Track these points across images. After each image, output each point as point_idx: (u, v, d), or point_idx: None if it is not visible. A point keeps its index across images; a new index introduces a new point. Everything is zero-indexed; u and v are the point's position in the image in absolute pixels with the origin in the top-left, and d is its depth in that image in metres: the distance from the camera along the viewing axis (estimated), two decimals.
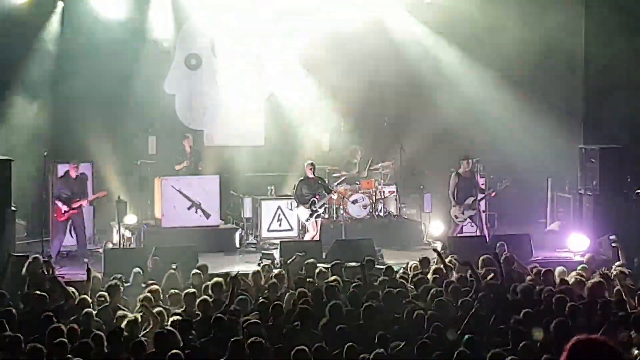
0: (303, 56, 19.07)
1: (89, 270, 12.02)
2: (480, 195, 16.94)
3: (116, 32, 17.91)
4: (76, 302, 10.78)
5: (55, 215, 15.91)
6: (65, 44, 17.76)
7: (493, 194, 17.35)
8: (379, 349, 8.45)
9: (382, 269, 12.66)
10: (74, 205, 15.87)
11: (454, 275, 12.17)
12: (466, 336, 8.77)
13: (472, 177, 16.94)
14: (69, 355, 8.50)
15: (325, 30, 18.76)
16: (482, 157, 17.58)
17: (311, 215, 16.58)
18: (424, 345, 8.65)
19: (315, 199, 16.56)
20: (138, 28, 18.24)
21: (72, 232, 16.20)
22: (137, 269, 12.48)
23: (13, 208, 14.93)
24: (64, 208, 15.77)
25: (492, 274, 11.77)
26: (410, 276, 12.30)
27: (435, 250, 13.52)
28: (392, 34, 19.25)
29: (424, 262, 12.80)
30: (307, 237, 16.71)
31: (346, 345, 8.62)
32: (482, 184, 17.49)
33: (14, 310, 10.28)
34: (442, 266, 12.38)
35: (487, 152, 18.07)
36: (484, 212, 17.37)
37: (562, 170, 18.39)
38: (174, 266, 12.61)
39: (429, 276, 12.05)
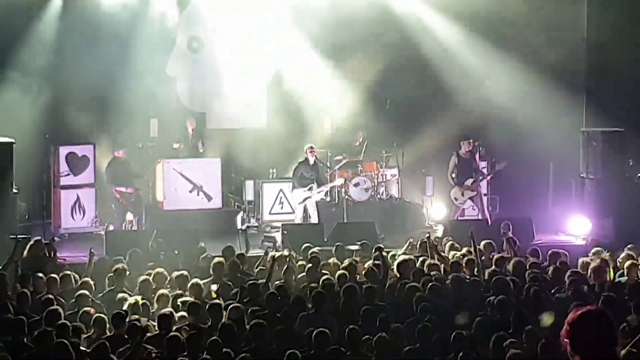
0: (305, 38, 19.01)
1: (91, 254, 12.03)
2: (480, 177, 16.92)
3: (118, 14, 17.86)
4: (78, 285, 10.82)
5: None
6: (67, 25, 17.69)
7: (489, 177, 17.37)
8: (382, 333, 8.48)
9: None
10: None
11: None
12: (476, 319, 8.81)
13: (472, 159, 16.89)
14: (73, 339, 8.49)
15: (330, 11, 18.71)
16: (484, 141, 17.52)
17: (305, 200, 16.54)
18: (424, 328, 8.68)
19: (313, 185, 16.53)
20: (140, 10, 18.18)
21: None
22: (134, 249, 12.50)
23: (15, 190, 14.94)
24: None
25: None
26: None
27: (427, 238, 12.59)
28: (397, 15, 19.19)
29: (424, 246, 12.77)
30: (296, 220, 16.72)
31: (348, 328, 8.64)
32: (483, 167, 17.47)
33: (27, 292, 10.30)
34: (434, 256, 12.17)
35: (489, 135, 18.03)
36: (485, 195, 17.37)
37: (564, 153, 18.37)
38: (176, 252, 12.62)
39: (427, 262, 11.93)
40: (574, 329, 4.24)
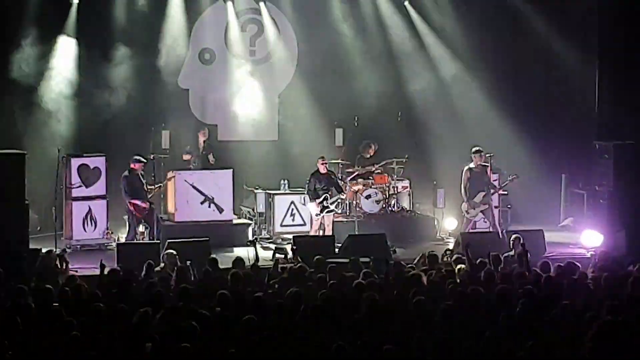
0: (318, 50, 19.05)
1: (102, 265, 12.01)
2: (491, 191, 16.89)
3: (131, 26, 17.94)
4: (87, 297, 10.80)
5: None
6: (79, 36, 17.76)
7: (500, 190, 17.32)
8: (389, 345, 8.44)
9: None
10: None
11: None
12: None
13: (483, 172, 16.87)
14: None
15: (342, 22, 18.76)
16: (496, 154, 17.48)
17: (322, 211, 16.55)
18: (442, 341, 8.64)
19: (328, 195, 16.55)
20: (152, 22, 18.25)
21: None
22: (149, 261, 12.50)
23: (26, 202, 14.99)
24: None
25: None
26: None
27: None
28: (408, 26, 19.21)
29: (432, 258, 12.73)
30: (311, 233, 16.71)
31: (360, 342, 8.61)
32: (495, 180, 17.43)
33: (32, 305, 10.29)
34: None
35: (501, 148, 17.98)
36: (496, 207, 17.32)
37: (576, 166, 18.31)
38: (188, 262, 12.61)
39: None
40: (594, 336, 4.25)
